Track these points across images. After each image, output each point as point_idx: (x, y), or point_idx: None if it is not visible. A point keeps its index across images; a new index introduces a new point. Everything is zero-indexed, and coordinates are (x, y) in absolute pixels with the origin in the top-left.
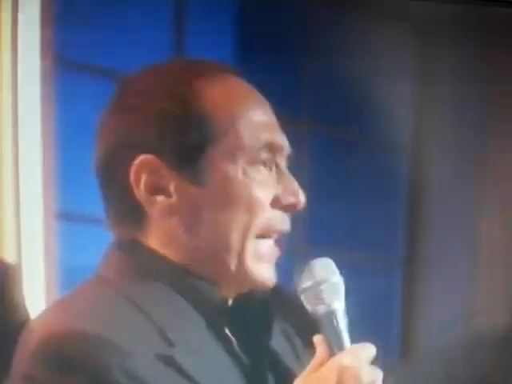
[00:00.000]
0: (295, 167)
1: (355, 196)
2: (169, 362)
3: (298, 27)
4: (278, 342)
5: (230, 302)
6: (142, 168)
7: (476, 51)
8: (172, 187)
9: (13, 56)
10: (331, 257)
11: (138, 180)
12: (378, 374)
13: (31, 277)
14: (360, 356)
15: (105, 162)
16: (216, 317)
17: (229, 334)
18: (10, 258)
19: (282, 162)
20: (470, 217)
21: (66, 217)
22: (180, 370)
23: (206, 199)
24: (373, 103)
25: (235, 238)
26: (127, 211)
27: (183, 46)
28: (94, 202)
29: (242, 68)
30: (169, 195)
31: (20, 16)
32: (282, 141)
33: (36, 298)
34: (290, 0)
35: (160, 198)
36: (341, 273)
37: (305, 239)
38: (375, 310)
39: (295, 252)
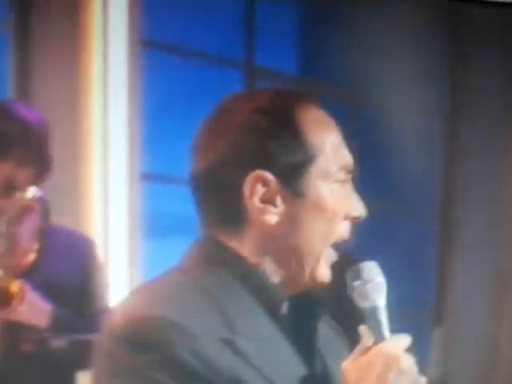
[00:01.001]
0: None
1: (395, 153)
2: (231, 345)
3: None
4: (327, 330)
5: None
6: (256, 181)
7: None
8: (278, 198)
9: (104, 35)
10: (374, 207)
11: (252, 191)
12: (412, 361)
13: (117, 233)
14: (399, 345)
15: (210, 173)
16: (277, 308)
17: (287, 322)
18: (98, 219)
19: (350, 181)
20: (504, 169)
21: (150, 177)
22: (240, 354)
23: (302, 210)
24: (410, 78)
25: (318, 246)
26: (227, 216)
27: (252, 25)
28: (174, 164)
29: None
30: (275, 205)
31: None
32: (352, 162)
33: (121, 254)
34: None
35: (268, 207)
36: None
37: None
38: (412, 257)
39: None
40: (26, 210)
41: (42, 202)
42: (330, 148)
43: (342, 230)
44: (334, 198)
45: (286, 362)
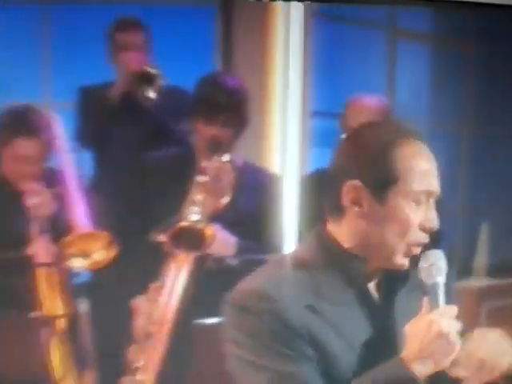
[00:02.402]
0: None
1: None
2: (313, 310)
3: None
4: (402, 300)
5: (375, 276)
6: (352, 188)
7: None
8: (365, 202)
9: (286, 9)
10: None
11: (347, 193)
12: (455, 327)
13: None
14: (444, 314)
15: (330, 175)
16: (361, 283)
17: (371, 296)
18: (276, 147)
19: (432, 200)
20: None
21: (318, 115)
22: (319, 315)
23: (382, 214)
24: None
25: (391, 243)
26: (334, 209)
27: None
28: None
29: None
30: (361, 206)
31: None
32: (436, 188)
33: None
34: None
35: (356, 207)
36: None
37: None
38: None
39: None
40: (222, 169)
41: (233, 162)
42: (416, 175)
43: (419, 235)
44: (411, 211)
45: (359, 323)
